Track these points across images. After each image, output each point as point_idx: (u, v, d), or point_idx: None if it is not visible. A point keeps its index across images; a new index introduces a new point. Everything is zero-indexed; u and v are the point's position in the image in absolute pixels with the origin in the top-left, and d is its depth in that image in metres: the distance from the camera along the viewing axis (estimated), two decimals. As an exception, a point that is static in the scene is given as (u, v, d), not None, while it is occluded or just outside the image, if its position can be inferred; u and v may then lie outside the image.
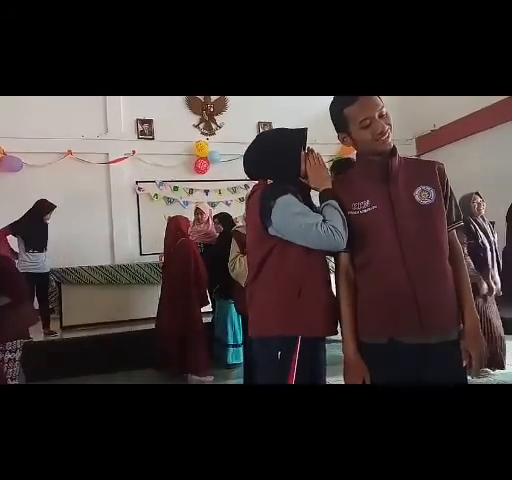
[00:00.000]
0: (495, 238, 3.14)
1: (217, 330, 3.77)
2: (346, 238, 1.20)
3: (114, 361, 3.63)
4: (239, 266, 2.49)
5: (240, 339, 3.54)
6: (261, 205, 1.31)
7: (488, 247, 3.02)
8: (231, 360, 3.60)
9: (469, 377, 1.22)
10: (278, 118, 5.99)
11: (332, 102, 1.24)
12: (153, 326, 3.60)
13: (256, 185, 1.47)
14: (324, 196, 1.28)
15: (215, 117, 6.10)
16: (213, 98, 6.04)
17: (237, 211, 4.63)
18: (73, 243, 4.62)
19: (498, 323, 3.03)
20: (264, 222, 1.30)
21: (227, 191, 6.04)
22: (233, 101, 6.05)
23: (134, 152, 5.69)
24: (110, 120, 5.67)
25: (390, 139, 1.19)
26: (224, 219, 3.72)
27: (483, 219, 3.17)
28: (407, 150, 6.30)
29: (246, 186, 5.84)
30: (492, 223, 3.25)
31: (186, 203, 5.83)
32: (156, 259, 4.79)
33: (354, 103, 1.17)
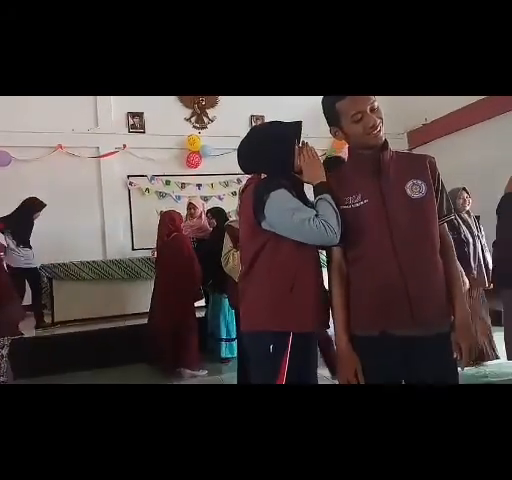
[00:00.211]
0: (480, 232, 3.19)
1: (211, 324, 3.78)
2: (339, 233, 1.20)
3: (106, 356, 3.62)
4: (232, 261, 2.49)
5: (233, 333, 3.55)
6: (254, 199, 1.30)
7: (471, 241, 3.07)
8: (224, 354, 3.61)
9: (459, 369, 1.24)
10: (270, 111, 5.97)
11: (324, 96, 1.24)
12: (146, 321, 3.60)
13: (250, 179, 1.47)
14: (318, 190, 1.27)
15: (207, 111, 6.05)
16: (205, 91, 6.00)
17: (230, 205, 4.62)
18: (64, 238, 4.58)
19: (486, 316, 3.10)
20: (257, 216, 1.30)
21: (219, 185, 6.02)
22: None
23: (125, 146, 5.63)
24: (100, 113, 5.60)
25: (381, 133, 1.19)
26: (217, 213, 3.71)
27: (468, 214, 3.21)
28: (399, 144, 6.32)
29: (239, 180, 5.83)
30: (477, 217, 3.29)
31: (178, 197, 5.80)
32: (148, 254, 4.78)
33: (346, 97, 1.17)
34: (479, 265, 3.11)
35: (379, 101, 1.19)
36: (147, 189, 5.79)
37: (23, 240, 4.10)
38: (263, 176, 1.38)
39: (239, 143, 1.44)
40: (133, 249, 5.64)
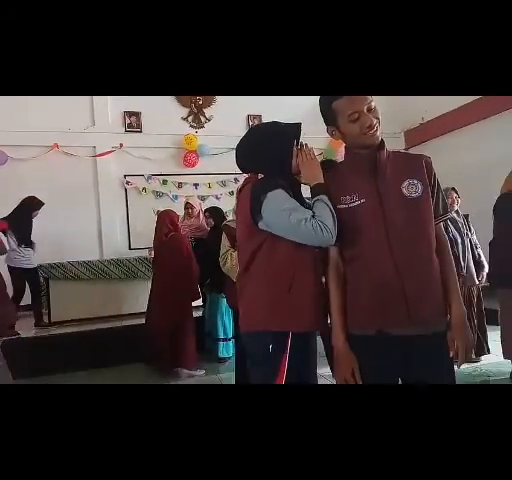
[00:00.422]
0: (468, 231, 3.23)
1: (208, 324, 3.78)
2: (335, 234, 1.20)
3: (104, 356, 3.61)
4: (230, 261, 2.49)
5: (231, 333, 3.55)
6: (251, 199, 1.30)
7: (459, 240, 3.11)
8: (222, 354, 3.61)
9: (456, 367, 1.25)
10: (268, 111, 5.98)
11: (322, 96, 1.24)
12: (143, 321, 3.59)
13: (247, 178, 1.47)
14: (315, 191, 1.27)
15: (204, 110, 6.05)
16: (202, 91, 5.99)
17: (227, 205, 4.62)
18: (60, 238, 4.57)
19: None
20: (254, 216, 1.30)
21: (217, 185, 6.02)
22: (222, 94, 6.01)
23: (121, 145, 5.62)
24: (97, 113, 5.59)
25: (378, 133, 1.19)
26: (215, 213, 3.71)
27: (458, 213, 3.25)
28: (396, 143, 6.34)
29: (236, 180, 5.83)
30: (466, 216, 3.32)
31: (175, 197, 5.80)
32: (145, 253, 4.77)
33: (343, 97, 1.17)
34: (469, 264, 3.16)
35: (376, 101, 1.19)
36: (144, 188, 5.78)
37: (24, 239, 4.11)
38: (260, 176, 1.38)
39: (237, 142, 1.44)
40: (130, 249, 5.63)
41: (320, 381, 1.53)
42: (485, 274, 3.24)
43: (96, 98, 5.55)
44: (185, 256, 3.31)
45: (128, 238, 5.73)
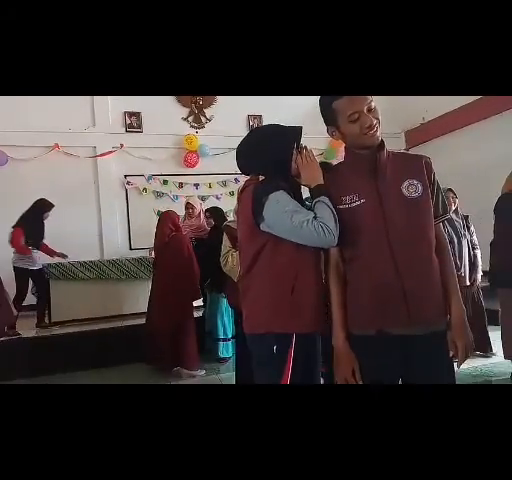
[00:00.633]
0: (467, 231, 3.23)
1: (208, 324, 3.78)
2: (337, 235, 1.21)
3: (104, 356, 3.62)
4: (231, 261, 2.49)
5: (231, 333, 3.55)
6: (253, 201, 1.31)
7: (456, 240, 3.13)
8: (222, 354, 3.61)
9: (456, 367, 1.25)
10: (268, 111, 5.98)
11: (322, 96, 1.24)
12: (143, 321, 3.59)
13: (248, 180, 1.47)
14: (316, 192, 1.28)
15: (204, 110, 6.05)
16: (202, 91, 5.99)
17: (227, 205, 4.62)
18: (61, 238, 4.55)
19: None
20: (256, 218, 1.30)
21: (217, 185, 6.02)
22: (222, 94, 6.01)
23: (122, 145, 5.63)
24: (97, 113, 5.60)
25: (378, 133, 1.19)
26: (215, 213, 3.71)
27: (456, 213, 3.25)
28: (396, 143, 6.34)
29: (236, 180, 5.83)
30: (466, 217, 3.33)
31: (176, 197, 5.80)
32: (146, 254, 4.78)
33: (343, 97, 1.17)
34: (465, 264, 3.17)
35: (376, 100, 1.19)
36: (144, 189, 5.78)
37: (36, 242, 4.18)
38: (261, 178, 1.38)
39: (238, 144, 1.44)
40: (131, 249, 5.63)
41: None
42: (479, 276, 3.25)
43: (96, 98, 5.55)
44: (186, 256, 3.32)
45: (129, 238, 5.74)
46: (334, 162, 1.68)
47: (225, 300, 3.33)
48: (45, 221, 4.30)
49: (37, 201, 4.26)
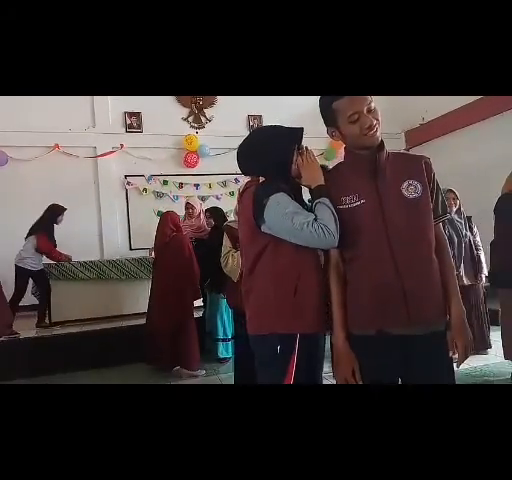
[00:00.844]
0: (469, 232, 3.23)
1: (208, 324, 3.78)
2: (338, 236, 1.21)
3: (104, 356, 3.62)
4: (231, 261, 2.49)
5: (230, 333, 3.55)
6: (254, 203, 1.31)
7: (456, 240, 3.12)
8: (222, 354, 3.61)
9: (455, 367, 1.25)
10: (268, 111, 5.98)
11: (322, 96, 1.24)
12: (143, 321, 3.59)
13: (249, 182, 1.47)
14: (316, 193, 1.28)
15: (204, 110, 6.05)
16: (202, 91, 5.99)
17: (227, 205, 4.63)
18: (61, 238, 4.55)
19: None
20: (257, 220, 1.31)
21: (217, 185, 6.02)
22: (222, 94, 6.01)
23: (122, 146, 5.63)
24: (98, 113, 5.60)
25: (378, 134, 1.20)
26: (215, 213, 3.72)
27: (459, 214, 3.25)
28: (396, 144, 6.34)
29: (236, 180, 5.83)
30: (468, 218, 3.33)
31: (176, 197, 5.80)
32: (146, 254, 4.78)
33: (343, 98, 1.17)
34: (467, 264, 3.18)
35: (376, 101, 1.19)
36: (144, 189, 5.78)
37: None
38: (261, 179, 1.38)
39: (239, 145, 1.44)
40: (131, 249, 5.63)
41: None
42: (483, 276, 3.25)
43: (96, 99, 5.55)
44: (187, 256, 3.33)
45: (129, 238, 5.74)
46: (334, 162, 1.68)
47: (225, 301, 3.34)
48: (58, 225, 4.38)
49: (50, 206, 4.33)
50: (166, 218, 3.46)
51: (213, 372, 3.42)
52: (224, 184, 6.02)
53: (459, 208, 3.30)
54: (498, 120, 5.08)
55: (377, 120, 1.18)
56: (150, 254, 4.45)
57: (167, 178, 5.86)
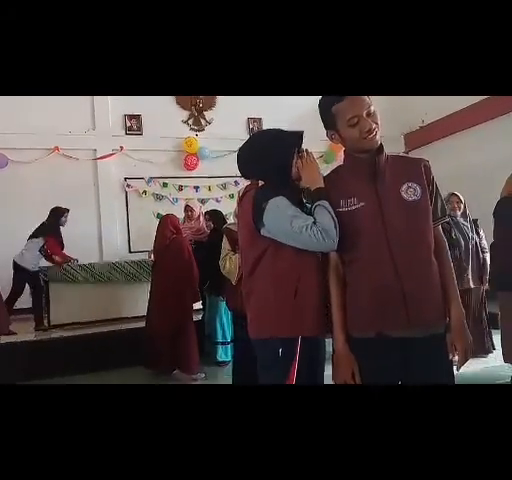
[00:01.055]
0: (476, 235, 3.23)
1: (207, 327, 3.78)
2: (337, 240, 1.21)
3: (103, 359, 3.61)
4: (229, 264, 2.49)
5: (230, 336, 3.55)
6: (254, 206, 1.32)
7: (463, 243, 3.12)
8: (221, 357, 3.61)
9: (455, 370, 1.25)
10: (268, 114, 5.99)
11: (321, 100, 1.25)
12: (142, 324, 3.59)
13: (248, 185, 1.48)
14: (316, 195, 1.28)
15: (204, 113, 6.06)
16: (202, 94, 6.01)
17: (227, 208, 4.62)
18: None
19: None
20: (257, 223, 1.31)
21: (217, 188, 6.03)
22: (222, 97, 6.01)
23: (122, 148, 5.63)
24: (98, 116, 5.61)
25: (377, 137, 1.20)
26: (214, 215, 3.72)
27: (465, 217, 3.25)
28: (395, 147, 6.35)
29: (236, 182, 5.84)
30: (474, 221, 3.33)
31: (175, 200, 5.81)
32: (145, 257, 4.77)
33: (342, 101, 1.18)
34: (473, 266, 3.17)
35: (375, 103, 1.20)
36: (144, 191, 5.79)
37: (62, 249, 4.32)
38: (261, 183, 1.39)
39: (239, 148, 1.45)
40: (130, 252, 5.63)
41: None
42: (487, 278, 3.25)
43: (97, 101, 5.56)
44: (186, 259, 3.34)
45: (128, 241, 5.74)
46: (333, 165, 1.68)
47: (224, 303, 3.33)
48: (63, 226, 4.40)
49: (53, 209, 4.36)
50: (166, 221, 3.47)
51: (212, 375, 3.41)
52: (224, 187, 6.03)
53: (464, 211, 3.30)
54: (499, 122, 5.07)
55: (376, 124, 1.19)
56: (149, 257, 4.44)
57: (167, 180, 5.86)
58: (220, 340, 3.60)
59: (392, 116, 5.64)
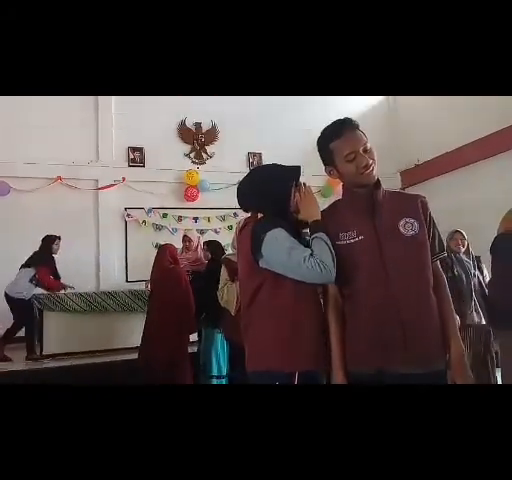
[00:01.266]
0: (478, 271, 3.24)
1: (202, 360, 3.69)
2: (334, 272, 1.22)
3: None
4: (227, 294, 2.48)
5: (224, 370, 3.46)
6: (252, 238, 1.34)
7: (465, 280, 3.13)
8: (216, 391, 3.50)
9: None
10: (267, 149, 6.15)
11: (320, 137, 1.30)
12: (136, 356, 3.51)
13: (247, 218, 1.51)
14: (314, 228, 1.31)
15: (206, 147, 6.22)
16: (204, 128, 6.19)
17: (226, 239, 4.65)
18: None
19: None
20: (255, 255, 1.32)
21: (216, 219, 6.08)
22: (224, 132, 6.20)
23: (124, 179, 5.73)
24: (101, 147, 5.73)
25: (374, 172, 1.24)
26: (213, 246, 3.73)
27: (468, 254, 3.28)
28: (392, 183, 6.47)
29: (235, 214, 5.89)
30: (477, 258, 3.35)
31: (175, 230, 5.84)
32: (142, 287, 4.74)
33: (340, 138, 1.22)
34: (477, 303, 3.15)
35: (371, 141, 1.24)
36: (144, 221, 5.83)
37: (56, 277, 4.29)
38: (260, 215, 1.42)
39: (239, 183, 1.50)
40: (127, 281, 5.59)
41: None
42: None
43: (101, 133, 5.70)
44: (184, 289, 3.32)
45: (125, 270, 5.71)
46: (331, 199, 1.72)
47: (220, 336, 3.28)
48: (56, 255, 4.37)
49: (44, 238, 4.35)
50: (164, 251, 3.48)
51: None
52: (223, 218, 6.08)
53: (467, 248, 3.33)
54: (498, 159, 5.16)
55: (373, 159, 1.23)
56: (146, 286, 4.41)
57: (167, 211, 5.92)
58: (215, 374, 3.51)
59: (388, 154, 5.79)
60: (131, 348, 4.02)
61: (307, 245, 1.30)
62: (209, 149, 6.21)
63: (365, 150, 1.22)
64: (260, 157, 6.29)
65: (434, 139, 5.90)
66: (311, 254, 1.24)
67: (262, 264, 1.32)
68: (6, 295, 4.09)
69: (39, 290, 4.30)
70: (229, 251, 3.50)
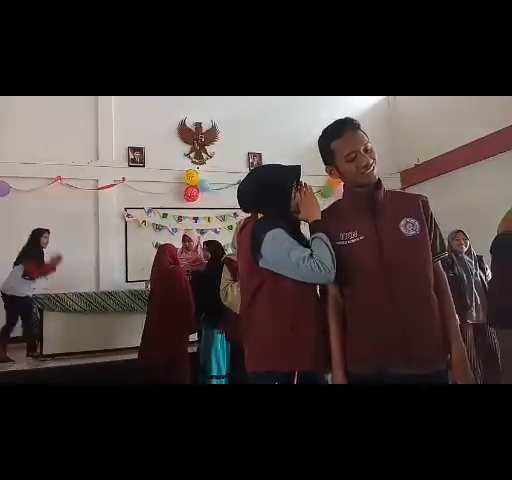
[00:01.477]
0: (480, 271, 3.25)
1: (201, 360, 3.69)
2: (334, 272, 1.22)
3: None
4: (231, 294, 2.47)
5: (224, 370, 3.46)
6: (252, 238, 1.34)
7: (466, 280, 3.14)
8: (215, 392, 3.50)
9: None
10: (268, 149, 6.15)
11: (320, 137, 1.30)
12: (136, 356, 3.51)
13: (247, 218, 1.51)
14: (313, 228, 1.31)
15: (206, 147, 6.22)
16: (204, 128, 6.19)
17: (226, 238, 4.65)
18: (58, 268, 4.53)
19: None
20: (255, 255, 1.33)
21: (216, 219, 6.07)
22: (224, 132, 6.20)
23: (124, 179, 5.73)
24: (101, 147, 5.73)
25: (375, 172, 1.24)
26: (213, 246, 3.73)
27: (469, 254, 3.28)
28: (392, 183, 6.47)
29: (235, 214, 5.89)
30: (480, 257, 3.35)
31: (175, 230, 5.84)
32: (142, 287, 4.74)
33: (340, 138, 1.22)
34: (479, 302, 3.16)
35: (372, 142, 1.24)
36: (144, 221, 5.83)
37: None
38: (260, 216, 1.42)
39: (240, 183, 1.50)
40: (127, 281, 5.59)
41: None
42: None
43: (101, 133, 5.70)
44: (183, 289, 3.32)
45: (125, 271, 5.71)
46: (331, 199, 1.72)
47: (220, 336, 3.28)
48: (46, 250, 4.35)
49: (33, 231, 4.35)
50: (164, 251, 3.48)
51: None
52: (223, 218, 6.08)
53: (469, 248, 3.34)
54: (497, 160, 5.16)
55: (374, 159, 1.23)
56: (146, 286, 4.41)
57: (167, 211, 5.92)
58: (215, 374, 3.51)
59: (388, 154, 5.80)
60: (131, 348, 4.02)
61: (307, 245, 1.30)
62: (209, 149, 6.21)
63: (366, 150, 1.22)
64: (260, 157, 6.29)
65: (434, 139, 5.89)
66: (311, 254, 1.24)
67: (262, 264, 1.33)
68: (2, 293, 4.10)
69: (38, 288, 4.29)
70: (229, 251, 3.50)
